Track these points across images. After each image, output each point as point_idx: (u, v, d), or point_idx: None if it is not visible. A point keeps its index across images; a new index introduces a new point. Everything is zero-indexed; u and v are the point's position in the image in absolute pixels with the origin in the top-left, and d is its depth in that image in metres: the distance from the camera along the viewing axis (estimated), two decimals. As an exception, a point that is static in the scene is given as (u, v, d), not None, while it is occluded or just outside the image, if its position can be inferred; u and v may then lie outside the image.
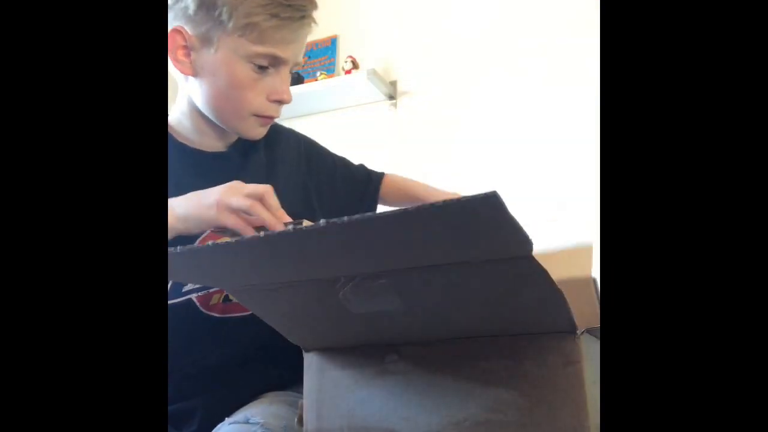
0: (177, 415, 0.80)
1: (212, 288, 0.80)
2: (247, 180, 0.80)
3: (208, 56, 0.78)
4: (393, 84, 2.15)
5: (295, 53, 0.80)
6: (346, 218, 0.34)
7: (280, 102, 0.82)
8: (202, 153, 0.87)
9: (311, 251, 0.41)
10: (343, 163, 1.04)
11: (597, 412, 0.48)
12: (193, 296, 0.80)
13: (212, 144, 0.88)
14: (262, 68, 0.79)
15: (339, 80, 2.11)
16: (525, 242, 0.38)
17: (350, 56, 2.17)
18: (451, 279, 0.44)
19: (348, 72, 2.14)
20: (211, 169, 0.85)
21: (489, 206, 0.32)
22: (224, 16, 0.75)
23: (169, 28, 0.78)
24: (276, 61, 0.79)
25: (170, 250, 0.42)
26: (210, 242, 0.41)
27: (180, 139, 0.87)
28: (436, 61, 2.09)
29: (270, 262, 0.45)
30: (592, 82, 1.79)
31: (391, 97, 2.13)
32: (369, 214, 0.33)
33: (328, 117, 2.22)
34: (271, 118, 0.84)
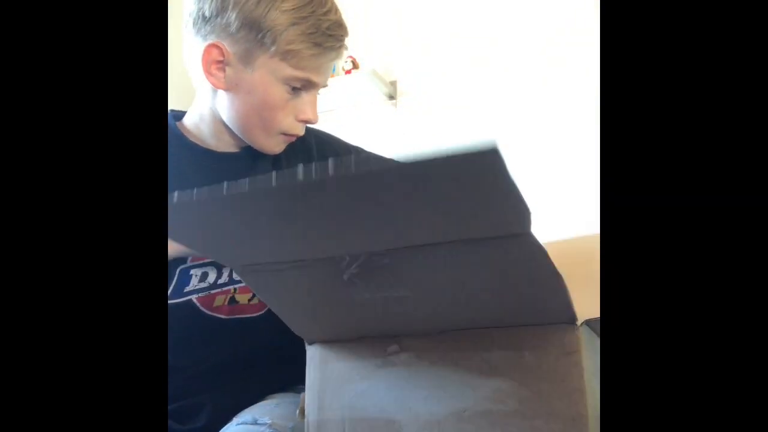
0: (184, 411, 0.80)
1: (214, 289, 0.81)
2: None
3: (245, 74, 0.80)
4: (393, 84, 2.16)
5: (326, 78, 0.84)
6: (353, 166, 0.34)
7: (307, 122, 0.85)
8: (212, 153, 0.89)
9: (317, 212, 0.41)
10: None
11: (596, 403, 0.48)
12: (194, 297, 0.80)
13: (225, 147, 0.90)
14: (294, 90, 0.81)
15: (339, 80, 2.11)
16: (524, 215, 0.38)
17: (350, 56, 2.18)
18: (451, 258, 0.44)
19: (348, 72, 2.14)
20: (220, 169, 0.87)
21: (489, 161, 0.31)
22: (267, 40, 0.77)
23: (205, 42, 0.80)
24: (309, 85, 0.82)
25: (170, 201, 0.39)
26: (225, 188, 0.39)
27: (193, 140, 0.89)
28: (436, 61, 2.09)
29: (276, 227, 0.44)
30: (593, 81, 1.79)
31: (391, 97, 2.14)
32: (371, 168, 0.33)
33: (327, 117, 2.22)
34: (296, 136, 0.86)
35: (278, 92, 0.80)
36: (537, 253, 0.41)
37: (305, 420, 0.59)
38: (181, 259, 0.81)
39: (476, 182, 0.35)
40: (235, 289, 0.82)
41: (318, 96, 0.86)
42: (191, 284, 0.81)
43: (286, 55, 0.78)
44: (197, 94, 0.88)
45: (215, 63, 0.80)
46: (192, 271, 0.82)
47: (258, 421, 0.71)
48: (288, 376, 0.79)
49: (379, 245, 0.45)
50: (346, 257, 0.46)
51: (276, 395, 0.79)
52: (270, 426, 0.69)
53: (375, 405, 0.55)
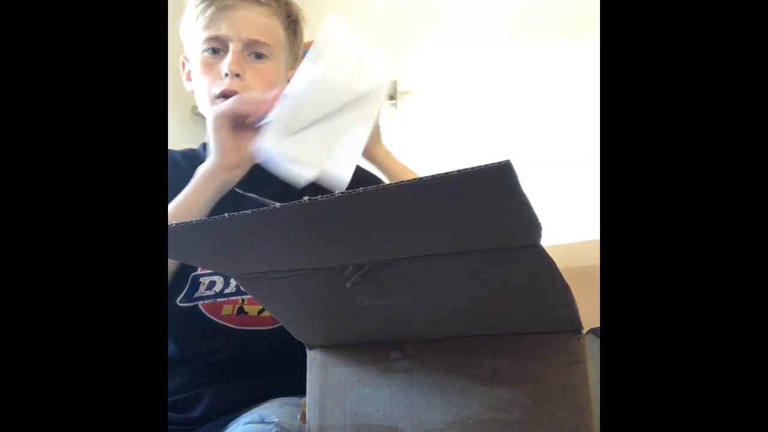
0: (183, 402, 0.81)
1: (220, 298, 0.81)
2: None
3: (192, 64, 0.90)
4: (393, 84, 2.15)
5: (236, 30, 0.86)
6: (361, 189, 0.34)
7: (229, 73, 0.85)
8: None
9: (322, 228, 0.41)
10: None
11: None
12: (200, 303, 0.81)
13: None
14: (215, 52, 0.86)
15: (339, 80, 2.10)
16: (534, 227, 0.37)
17: (351, 56, 2.16)
18: (458, 269, 0.44)
19: (348, 71, 2.13)
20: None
21: (501, 176, 0.31)
22: (187, 23, 0.89)
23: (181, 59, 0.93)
24: (221, 42, 0.86)
25: (169, 225, 0.41)
26: (227, 214, 0.40)
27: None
28: (436, 62, 2.09)
29: (279, 243, 0.44)
30: (594, 81, 1.79)
31: (391, 97, 2.13)
32: (383, 185, 0.33)
33: (327, 116, 2.21)
34: (234, 93, 0.86)
35: (201, 58, 0.86)
36: (546, 264, 0.41)
37: (306, 425, 0.58)
38: (193, 267, 0.81)
39: (488, 197, 0.35)
40: (243, 299, 0.82)
41: (241, 53, 0.86)
42: (199, 291, 0.83)
43: (195, 24, 0.87)
44: None
45: (187, 73, 0.93)
46: (201, 279, 0.83)
47: (265, 420, 0.71)
48: (292, 384, 0.79)
49: (385, 255, 0.44)
50: (350, 266, 0.46)
51: (279, 398, 0.79)
52: (277, 424, 0.69)
53: (377, 411, 0.54)
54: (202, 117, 1.86)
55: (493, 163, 0.30)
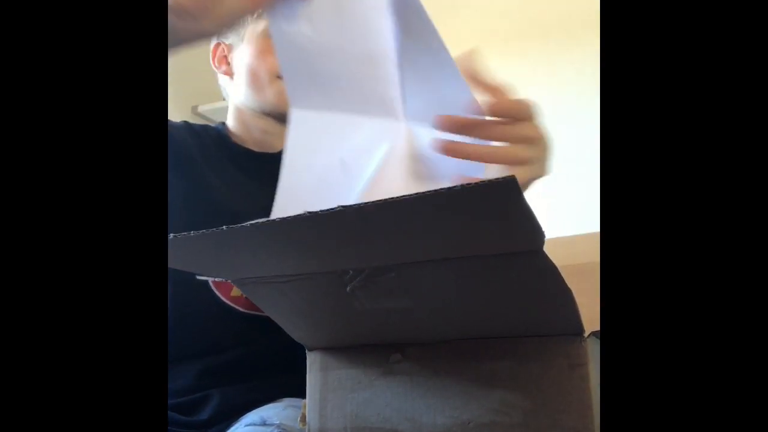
0: (190, 404, 0.80)
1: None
2: None
3: (240, 50, 0.92)
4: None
5: None
6: (362, 203, 0.34)
7: None
8: (251, 153, 0.95)
9: (324, 237, 0.41)
10: None
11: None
12: (210, 280, 0.81)
13: (260, 140, 0.95)
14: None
15: (339, 77, 2.10)
16: (537, 235, 0.37)
17: (350, 53, 2.16)
18: (460, 274, 0.44)
19: (348, 69, 2.13)
20: (255, 168, 0.92)
21: (506, 191, 0.31)
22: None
23: (211, 45, 0.96)
24: None
25: (170, 236, 0.41)
26: (224, 227, 0.39)
27: (234, 140, 0.96)
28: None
29: (278, 251, 0.44)
30: (595, 83, 1.79)
31: (391, 95, 2.13)
32: (385, 198, 0.33)
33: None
34: None
35: (263, 42, 0.88)
36: (547, 269, 0.41)
37: (306, 427, 0.58)
38: None
39: (492, 210, 0.34)
40: None
41: None
42: None
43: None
44: (229, 98, 0.98)
45: (222, 58, 0.95)
46: None
47: (266, 422, 0.71)
48: (300, 383, 0.79)
49: (386, 260, 0.44)
50: (350, 271, 0.45)
51: (284, 399, 0.79)
52: (278, 426, 0.69)
53: (377, 414, 0.54)
54: (202, 117, 1.85)
55: (498, 179, 0.30)
